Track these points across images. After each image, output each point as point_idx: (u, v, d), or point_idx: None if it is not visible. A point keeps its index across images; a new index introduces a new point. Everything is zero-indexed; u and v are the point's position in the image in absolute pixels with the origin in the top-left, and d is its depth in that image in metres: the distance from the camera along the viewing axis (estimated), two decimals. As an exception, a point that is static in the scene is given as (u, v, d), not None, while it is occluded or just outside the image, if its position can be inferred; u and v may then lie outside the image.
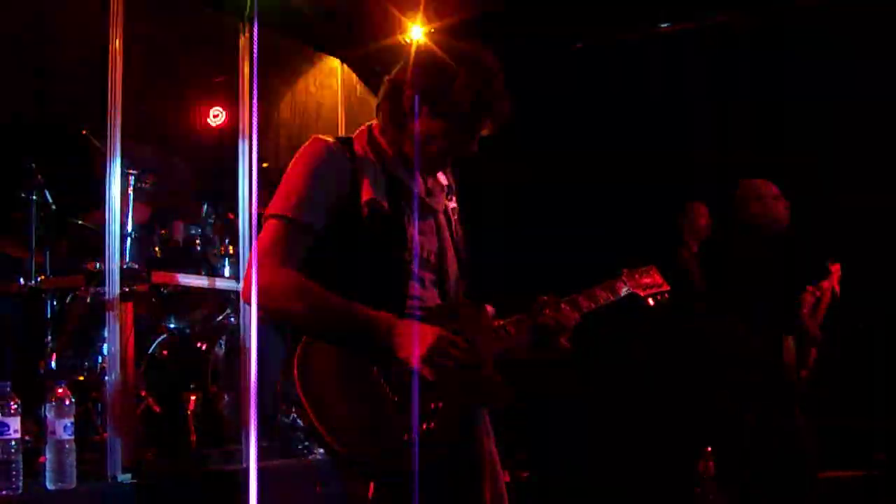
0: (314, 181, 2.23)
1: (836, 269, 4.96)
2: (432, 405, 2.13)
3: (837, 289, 4.88)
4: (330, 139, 2.32)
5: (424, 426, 2.09)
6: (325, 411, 2.03)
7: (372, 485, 2.07)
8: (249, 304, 2.16)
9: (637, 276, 2.66)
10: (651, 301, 2.65)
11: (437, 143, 2.32)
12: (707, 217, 5.84)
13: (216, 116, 6.60)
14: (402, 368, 2.13)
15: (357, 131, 2.40)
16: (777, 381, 4.56)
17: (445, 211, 2.50)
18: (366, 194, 2.25)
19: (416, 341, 2.13)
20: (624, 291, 2.61)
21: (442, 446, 2.10)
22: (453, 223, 2.51)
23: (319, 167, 2.25)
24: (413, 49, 2.37)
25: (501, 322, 2.37)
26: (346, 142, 2.34)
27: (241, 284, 2.24)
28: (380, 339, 2.14)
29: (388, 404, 2.10)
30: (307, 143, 2.31)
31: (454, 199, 2.55)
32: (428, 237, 2.38)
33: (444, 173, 2.52)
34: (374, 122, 2.40)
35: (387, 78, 2.37)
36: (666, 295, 2.68)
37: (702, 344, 5.19)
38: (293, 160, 2.29)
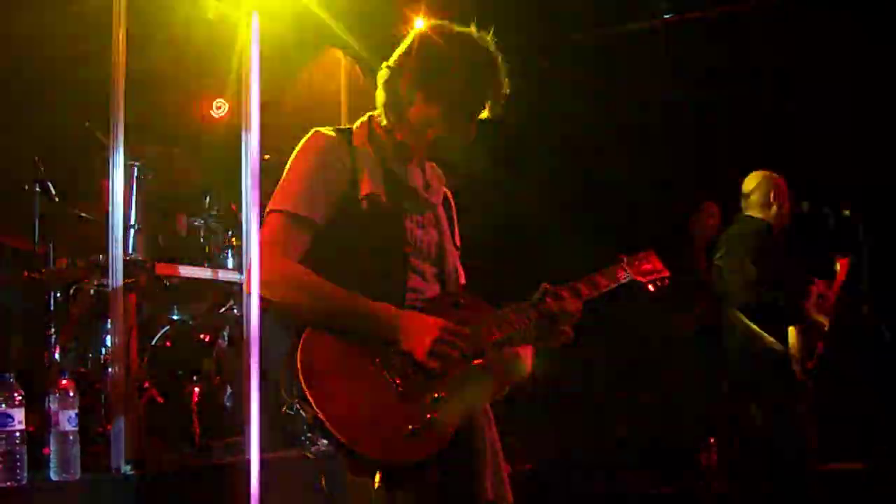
0: (315, 175, 2.24)
1: (843, 262, 4.95)
2: (435, 394, 2.14)
3: (842, 280, 4.88)
4: (330, 132, 2.32)
5: (428, 416, 2.10)
6: (330, 403, 2.04)
7: (378, 475, 2.07)
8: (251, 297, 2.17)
9: (637, 262, 2.66)
10: (651, 287, 2.64)
11: (435, 129, 2.32)
12: (717, 217, 5.84)
13: (219, 108, 6.59)
14: (405, 360, 2.14)
15: (358, 122, 2.41)
16: (782, 373, 4.55)
17: (444, 204, 2.50)
18: (365, 188, 2.26)
19: (419, 333, 2.14)
20: (624, 278, 2.60)
21: (445, 435, 2.11)
22: (452, 215, 2.52)
23: (320, 161, 2.26)
24: (410, 35, 2.38)
25: (502, 310, 2.37)
26: (345, 134, 2.34)
27: (244, 277, 2.25)
28: (382, 331, 2.15)
29: (391, 395, 2.11)
30: (307, 137, 2.32)
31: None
32: (427, 230, 2.39)
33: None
34: (375, 113, 2.40)
35: (384, 65, 2.38)
36: (666, 281, 2.67)
37: (708, 336, 5.20)
38: (294, 154, 2.30)
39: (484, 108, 2.34)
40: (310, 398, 2.03)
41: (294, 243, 2.20)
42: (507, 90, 2.34)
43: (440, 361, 2.14)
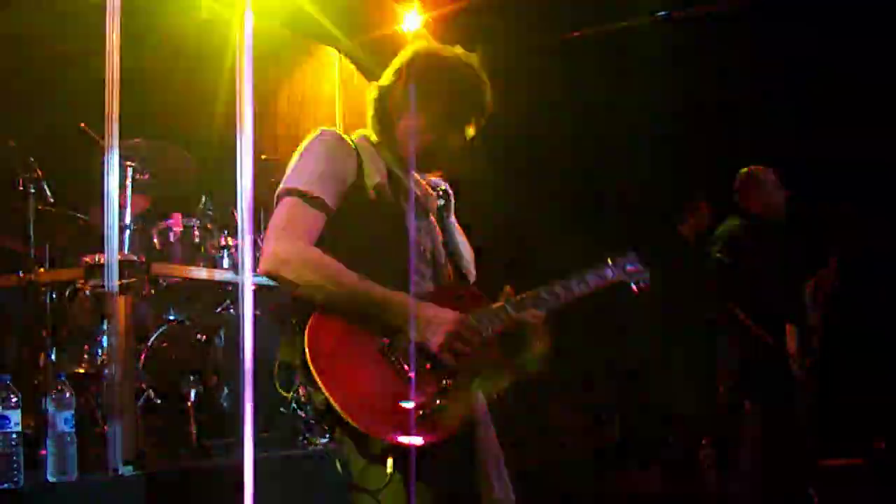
0: (327, 163, 2.31)
1: (833, 260, 4.98)
2: (444, 382, 2.18)
3: (838, 276, 4.90)
4: (338, 132, 2.41)
5: (437, 402, 2.14)
6: (340, 387, 2.08)
7: (391, 459, 2.10)
8: (266, 276, 2.24)
9: (622, 263, 2.72)
10: (635, 287, 2.71)
11: (423, 139, 2.40)
12: (708, 217, 5.84)
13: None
14: (416, 348, 2.18)
15: (355, 134, 2.48)
16: (780, 370, 4.56)
17: (438, 215, 2.55)
18: (373, 179, 2.33)
19: (435, 325, 2.19)
20: (611, 277, 2.66)
21: (453, 422, 2.15)
22: (445, 227, 2.55)
23: (329, 150, 2.34)
24: (400, 57, 2.47)
25: (500, 304, 2.39)
26: (350, 138, 2.42)
27: (261, 256, 2.27)
28: (397, 319, 2.19)
29: (400, 380, 2.15)
30: (317, 132, 2.39)
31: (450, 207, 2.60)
32: (423, 237, 2.44)
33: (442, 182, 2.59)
34: (367, 132, 2.49)
35: (374, 85, 2.48)
36: (648, 282, 2.73)
37: (705, 332, 5.20)
38: (304, 145, 2.37)
39: (470, 123, 2.43)
40: (320, 384, 2.06)
41: (308, 224, 2.24)
42: (490, 104, 2.42)
43: (454, 356, 2.19)
